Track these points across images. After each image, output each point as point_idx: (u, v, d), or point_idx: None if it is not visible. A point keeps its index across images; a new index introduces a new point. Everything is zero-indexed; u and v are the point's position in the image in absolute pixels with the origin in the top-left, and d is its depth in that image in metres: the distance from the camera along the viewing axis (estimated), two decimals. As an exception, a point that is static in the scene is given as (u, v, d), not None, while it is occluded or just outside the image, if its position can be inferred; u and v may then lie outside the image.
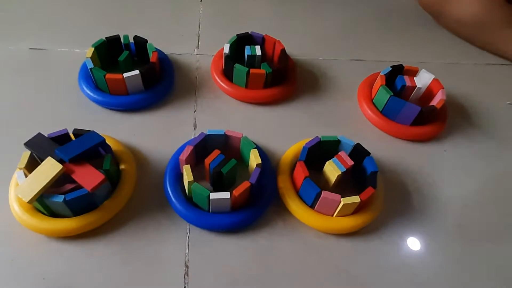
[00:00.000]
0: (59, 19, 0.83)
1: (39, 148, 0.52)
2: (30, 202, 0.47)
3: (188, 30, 0.84)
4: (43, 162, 0.49)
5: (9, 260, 0.49)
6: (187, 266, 0.51)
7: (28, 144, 0.52)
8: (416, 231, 0.58)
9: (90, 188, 0.49)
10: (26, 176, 0.49)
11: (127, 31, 0.72)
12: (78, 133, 0.55)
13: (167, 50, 0.77)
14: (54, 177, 0.48)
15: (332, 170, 0.56)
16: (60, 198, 0.47)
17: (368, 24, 0.92)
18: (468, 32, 0.86)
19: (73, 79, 0.70)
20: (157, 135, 0.65)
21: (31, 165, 0.51)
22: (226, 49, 0.70)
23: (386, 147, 0.67)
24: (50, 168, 0.49)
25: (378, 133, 0.69)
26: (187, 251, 0.52)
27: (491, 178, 0.65)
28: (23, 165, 0.50)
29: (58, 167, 0.49)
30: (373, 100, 0.71)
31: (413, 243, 0.56)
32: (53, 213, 0.51)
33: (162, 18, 0.86)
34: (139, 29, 0.74)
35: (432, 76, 0.70)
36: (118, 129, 0.64)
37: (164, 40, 0.79)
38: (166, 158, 0.60)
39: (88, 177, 0.50)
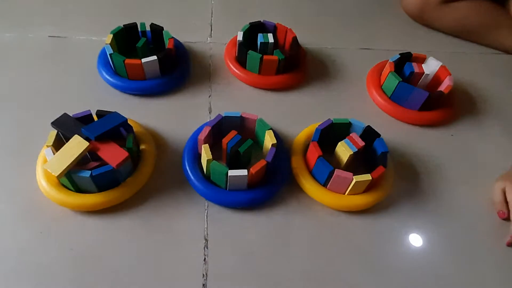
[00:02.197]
0: (77, 8, 0.85)
1: (65, 127, 0.54)
2: (59, 176, 0.49)
3: (201, 19, 0.86)
4: (71, 140, 0.52)
5: (38, 232, 0.52)
6: (206, 240, 0.53)
7: (55, 123, 0.54)
8: (423, 210, 0.60)
9: (115, 165, 0.51)
10: (53, 153, 0.52)
11: (142, 20, 0.74)
12: (101, 114, 0.57)
13: (181, 38, 0.79)
14: (81, 153, 0.51)
15: (344, 150, 0.58)
16: (87, 174, 0.50)
17: (376, 14, 0.94)
18: (461, 36, 0.90)
19: (92, 65, 0.72)
20: (174, 119, 0.67)
21: (57, 144, 0.54)
22: (240, 37, 0.72)
23: (395, 132, 0.69)
24: (77, 145, 0.51)
25: (387, 118, 0.71)
26: (206, 226, 0.55)
27: (497, 161, 0.67)
28: (51, 143, 0.53)
29: (85, 144, 0.51)
30: (382, 86, 0.73)
31: (422, 222, 0.59)
32: (78, 189, 0.54)
33: (175, 8, 0.88)
34: (153, 18, 0.76)
35: (440, 63, 0.72)
36: (137, 112, 0.67)
37: (178, 29, 0.81)
38: (183, 139, 0.62)
39: (113, 154, 0.52)
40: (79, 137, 0.52)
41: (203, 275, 0.50)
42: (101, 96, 0.69)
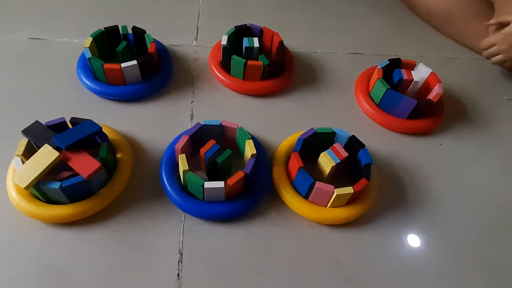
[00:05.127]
0: (59, 10, 0.83)
1: (36, 136, 0.52)
2: (26, 188, 0.47)
3: (187, 21, 0.84)
4: (40, 149, 0.50)
5: (7, 244, 0.50)
6: (181, 254, 0.51)
7: (25, 132, 0.52)
8: (409, 223, 0.58)
9: (86, 175, 0.49)
10: (23, 163, 0.50)
11: (127, 22, 0.72)
12: (75, 121, 0.55)
13: (166, 41, 0.77)
14: (50, 164, 0.49)
15: (326, 161, 0.56)
16: (56, 185, 0.48)
17: (368, 17, 0.91)
18: (437, 23, 0.88)
19: (72, 69, 0.70)
20: (154, 125, 0.65)
21: (29, 152, 0.52)
22: (224, 41, 0.70)
23: (382, 140, 0.67)
24: (46, 155, 0.49)
25: (374, 126, 0.69)
26: (181, 239, 0.53)
27: (487, 172, 0.65)
28: (21, 152, 0.51)
29: (55, 154, 0.49)
30: (370, 93, 0.71)
31: (406, 236, 0.57)
32: (50, 200, 0.52)
33: (162, 10, 0.86)
34: (139, 20, 0.75)
35: (430, 70, 0.70)
36: (116, 119, 0.65)
37: (163, 32, 0.79)
38: (163, 147, 0.60)
39: (84, 165, 0.50)
40: (49, 146, 0.50)
41: (176, 291, 0.48)
42: (80, 101, 0.67)
